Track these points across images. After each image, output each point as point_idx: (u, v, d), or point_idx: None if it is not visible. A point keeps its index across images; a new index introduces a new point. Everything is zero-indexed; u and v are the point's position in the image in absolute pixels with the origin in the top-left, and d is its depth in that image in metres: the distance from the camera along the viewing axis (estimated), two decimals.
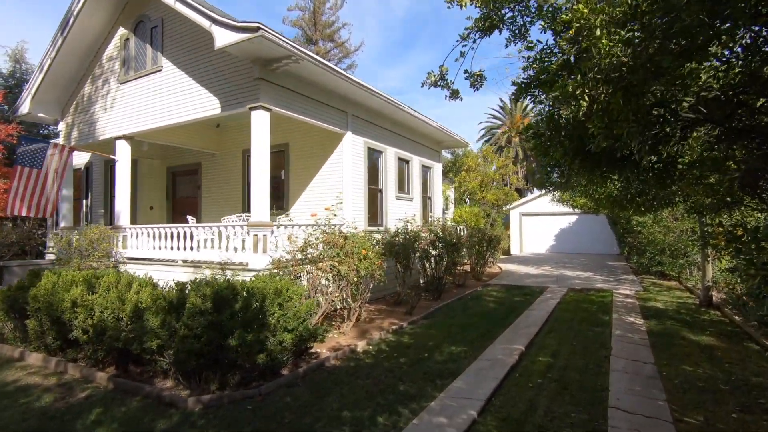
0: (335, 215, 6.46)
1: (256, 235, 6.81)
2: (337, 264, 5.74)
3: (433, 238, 9.75)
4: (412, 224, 10.46)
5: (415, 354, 5.73)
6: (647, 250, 12.49)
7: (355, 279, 6.59)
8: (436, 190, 13.65)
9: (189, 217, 8.96)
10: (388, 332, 6.91)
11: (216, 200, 11.53)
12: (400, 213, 11.21)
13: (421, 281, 10.19)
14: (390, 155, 10.96)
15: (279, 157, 10.38)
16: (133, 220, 12.03)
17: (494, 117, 45.24)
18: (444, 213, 15.11)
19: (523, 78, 4.17)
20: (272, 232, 6.91)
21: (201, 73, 7.78)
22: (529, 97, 4.24)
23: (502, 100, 42.58)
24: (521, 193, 33.39)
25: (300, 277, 6.18)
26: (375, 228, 10.17)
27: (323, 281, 6.09)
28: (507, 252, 25.50)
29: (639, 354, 5.44)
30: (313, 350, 5.87)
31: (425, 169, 13.24)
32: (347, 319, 6.86)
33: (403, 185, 11.85)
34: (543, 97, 4.03)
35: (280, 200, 10.42)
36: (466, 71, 4.85)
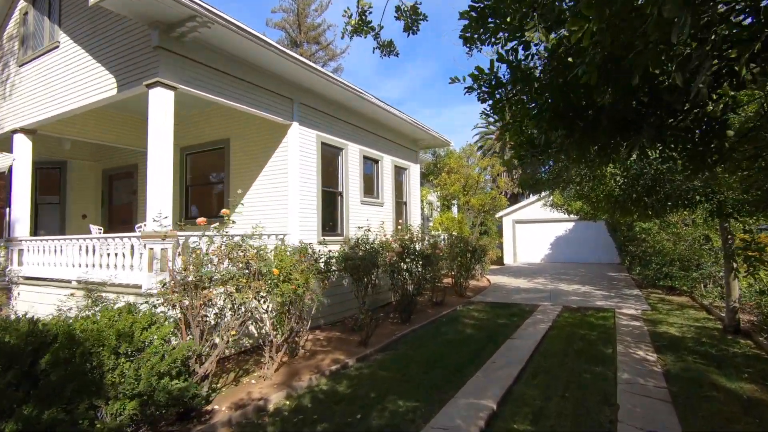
0: (233, 222, 4.87)
1: (152, 248, 5.21)
2: (234, 290, 4.14)
3: (401, 250, 8.16)
4: (382, 233, 8.90)
5: (345, 414, 4.10)
6: (653, 261, 10.92)
7: (277, 305, 4.99)
8: (413, 195, 12.09)
9: (92, 227, 7.36)
10: (325, 375, 5.28)
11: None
12: (366, 220, 9.63)
13: (394, 299, 8.58)
14: (353, 153, 9.41)
15: (218, 155, 8.82)
16: (61, 231, 10.41)
17: (488, 124, 43.92)
18: (427, 220, 13.54)
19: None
20: (176, 245, 5.32)
21: (98, 46, 6.25)
22: (484, 36, 2.69)
23: None
24: (517, 199, 31.90)
25: (188, 307, 4.56)
26: (333, 238, 8.58)
27: (226, 312, 4.47)
28: (500, 262, 23.90)
29: (658, 417, 3.83)
30: (209, 408, 4.26)
31: (399, 171, 11.69)
32: (270, 358, 5.23)
33: (370, 188, 10.29)
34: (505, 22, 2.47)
35: (219, 207, 8.83)
36: (397, 9, 3.32)
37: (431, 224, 12.33)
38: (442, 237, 12.37)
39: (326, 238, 8.38)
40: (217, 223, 8.11)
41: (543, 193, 15.98)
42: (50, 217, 10.67)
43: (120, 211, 10.57)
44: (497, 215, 26.26)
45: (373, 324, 6.74)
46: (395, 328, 7.89)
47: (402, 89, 67.80)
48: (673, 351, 5.88)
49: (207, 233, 4.95)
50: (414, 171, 12.26)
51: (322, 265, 6.68)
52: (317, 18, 34.00)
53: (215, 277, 4.14)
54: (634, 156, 2.69)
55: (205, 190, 9.34)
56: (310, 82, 7.69)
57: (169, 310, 4.10)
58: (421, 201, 12.94)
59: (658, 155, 2.64)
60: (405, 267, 8.40)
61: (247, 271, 4.45)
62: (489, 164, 13.05)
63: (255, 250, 4.68)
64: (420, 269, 8.99)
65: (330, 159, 8.94)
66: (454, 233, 12.33)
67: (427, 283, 9.27)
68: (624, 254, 15.36)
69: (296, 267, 5.07)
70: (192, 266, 4.17)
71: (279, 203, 7.76)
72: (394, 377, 5.14)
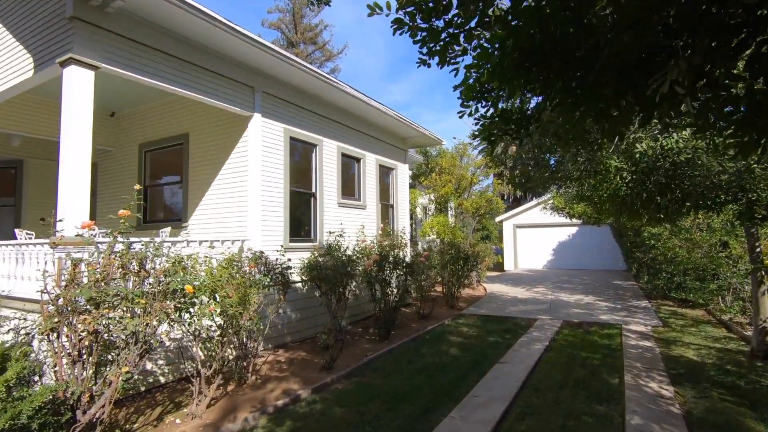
0: (131, 227, 3.96)
1: (60, 257, 4.31)
2: (125, 314, 3.22)
3: (378, 258, 7.23)
4: (362, 238, 7.98)
5: None
6: (663, 270, 9.90)
7: (205, 327, 4.07)
8: (401, 197, 11.16)
9: (17, 232, 6.48)
10: (267, 412, 4.34)
11: (115, 209, 9.02)
12: (345, 224, 8.70)
13: (376, 312, 7.64)
14: (329, 150, 8.50)
15: (178, 152, 7.94)
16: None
17: None
18: (418, 225, 12.60)
19: None
20: (96, 252, 4.41)
21: (16, 19, 5.39)
22: None
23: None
24: (519, 203, 30.87)
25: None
26: (304, 244, 7.65)
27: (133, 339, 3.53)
28: (500, 268, 22.87)
29: None
30: None
31: (385, 171, 10.76)
32: (200, 392, 4.29)
33: (351, 189, 9.37)
34: None
35: (175, 211, 7.94)
36: None
37: (421, 229, 11.40)
38: (434, 242, 11.42)
39: (296, 244, 7.45)
40: (181, 229, 7.23)
41: (545, 196, 15.02)
42: (5, 222, 9.84)
43: None
44: (497, 219, 25.26)
45: (338, 346, 5.78)
46: (371, 346, 6.94)
47: (408, 94, 67.26)
48: (692, 382, 4.88)
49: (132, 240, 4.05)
50: (402, 171, 11.33)
51: (279, 276, 5.74)
52: (314, 18, 33.33)
53: (109, 297, 3.22)
54: (654, 130, 1.76)
55: (166, 190, 8.45)
56: (273, 67, 6.80)
57: (44, 340, 3.18)
58: (412, 204, 12.00)
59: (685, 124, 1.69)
60: (384, 277, 7.45)
61: (156, 289, 3.52)
62: (483, 164, 12.08)
63: (171, 262, 3.75)
64: (403, 279, 8.05)
65: (301, 156, 8.04)
66: (446, 239, 11.38)
67: (410, 295, 8.33)
68: (631, 261, 14.32)
69: (230, 281, 4.13)
70: (76, 283, 3.25)
71: (238, 205, 6.85)
72: (349, 418, 4.18)
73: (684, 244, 8.87)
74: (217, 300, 4.01)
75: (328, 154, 8.48)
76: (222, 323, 4.19)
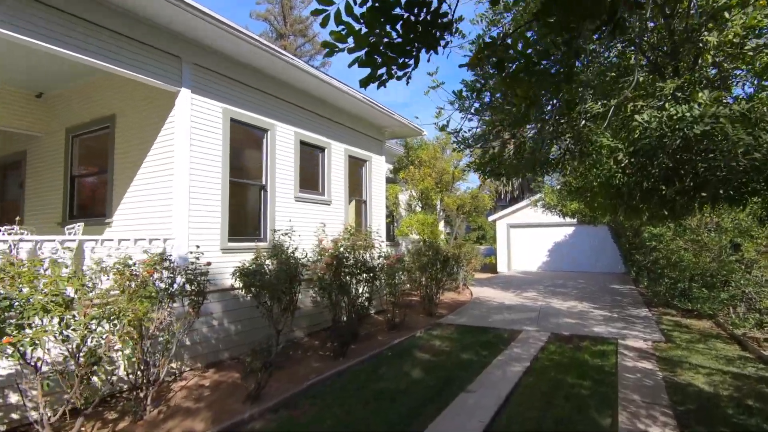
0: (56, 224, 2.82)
1: None
2: None
3: (331, 261, 6.16)
4: (323, 237, 6.94)
5: None
6: (665, 275, 8.83)
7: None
8: (376, 192, 10.08)
9: None
10: None
11: (45, 203, 7.96)
12: (305, 222, 7.64)
13: (333, 320, 6.59)
14: (284, 136, 7.43)
15: (103, 138, 6.86)
16: None
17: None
18: (395, 223, 11.52)
19: None
20: None
21: None
22: None
23: None
24: (517, 201, 29.79)
25: None
26: (249, 244, 6.58)
27: None
28: (493, 269, 21.82)
29: None
30: None
31: (357, 163, 9.69)
32: None
33: (312, 182, 8.30)
34: None
35: (99, 204, 6.86)
36: None
37: (399, 228, 10.33)
38: (420, 243, 10.34)
39: (238, 244, 6.38)
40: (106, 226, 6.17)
41: (537, 195, 13.93)
42: None
43: (8, 209, 8.62)
44: (490, 219, 24.20)
45: (267, 371, 4.70)
46: (321, 365, 5.87)
47: (408, 94, 66.24)
48: (706, 426, 3.81)
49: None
50: (378, 164, 10.25)
51: (188, 286, 4.66)
52: (303, 10, 32.24)
53: None
54: None
55: (94, 181, 7.38)
56: (206, 35, 5.73)
57: None
58: (390, 200, 10.92)
59: None
60: (341, 282, 6.38)
61: None
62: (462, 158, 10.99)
63: None
64: (368, 284, 7.00)
65: (248, 142, 6.97)
66: (427, 238, 10.31)
67: (371, 303, 7.28)
68: (629, 264, 13.25)
69: (82, 295, 3.06)
70: None
71: (162, 198, 5.78)
72: None
73: (690, 247, 7.79)
74: (64, 321, 2.93)
75: (284, 140, 7.40)
76: (73, 349, 3.12)
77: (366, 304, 6.99)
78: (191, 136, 5.79)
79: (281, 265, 5.74)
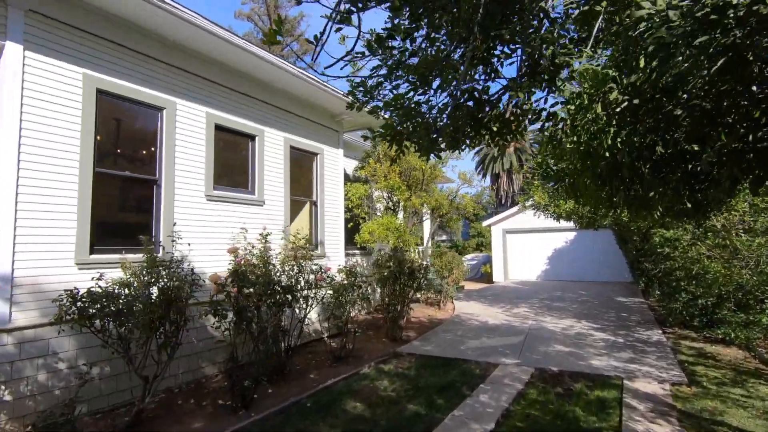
0: None
1: None
2: None
3: (216, 278, 4.54)
4: (232, 245, 5.33)
5: None
6: (682, 288, 7.07)
7: None
8: (331, 191, 8.44)
9: None
10: None
11: None
12: (225, 226, 6.03)
13: (232, 360, 4.93)
14: (190, 118, 5.83)
15: None
16: None
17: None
18: (357, 226, 9.84)
19: None
20: None
21: None
22: None
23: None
24: (515, 202, 27.99)
25: None
26: (135, 256, 4.93)
27: None
28: (489, 279, 20.05)
29: None
30: None
31: (304, 156, 8.08)
32: None
33: (237, 177, 6.69)
34: None
35: None
36: None
37: (359, 234, 8.67)
38: (380, 251, 8.67)
39: (106, 256, 4.76)
40: None
41: (528, 202, 12.23)
42: None
43: None
44: (484, 224, 22.47)
45: None
46: (205, 425, 4.21)
47: None
48: None
49: None
50: (333, 158, 8.62)
51: None
52: (290, 9, 30.99)
53: None
54: None
55: None
56: None
57: None
58: (351, 201, 9.27)
59: None
60: (240, 307, 4.73)
61: None
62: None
63: None
64: (280, 308, 5.36)
65: (131, 123, 5.39)
66: (394, 245, 8.64)
67: (286, 334, 5.63)
68: (637, 273, 11.46)
69: None
70: None
71: None
72: None
73: (716, 254, 6.06)
74: None
75: (189, 123, 5.81)
76: None
77: (279, 334, 5.31)
78: (25, 110, 4.20)
79: (145, 287, 4.12)
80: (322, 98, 7.84)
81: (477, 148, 43.40)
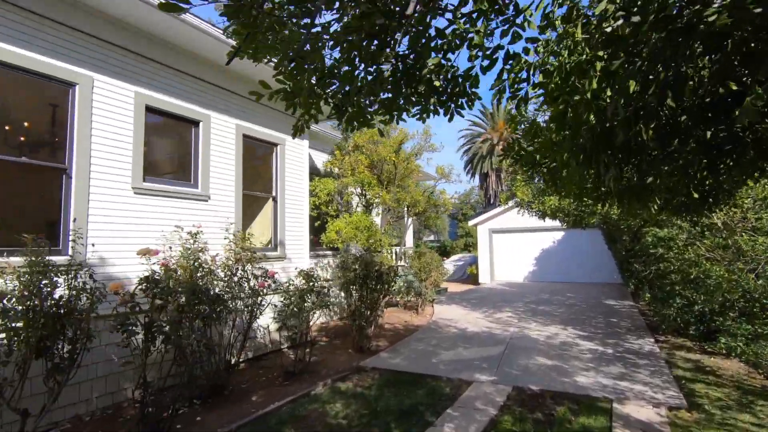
0: None
1: None
2: None
3: (116, 287, 3.72)
4: (155, 248, 4.51)
5: None
6: (677, 293, 6.40)
7: None
8: (293, 186, 7.64)
9: None
10: None
11: None
12: (159, 225, 5.20)
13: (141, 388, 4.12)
14: (113, 97, 4.99)
15: None
16: None
17: (474, 124, 40.20)
18: (324, 226, 9.04)
19: None
20: None
21: None
22: None
23: (483, 105, 37.51)
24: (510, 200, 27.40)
25: None
26: (17, 259, 4.08)
27: None
28: (475, 280, 19.37)
29: None
30: None
31: (261, 147, 7.28)
32: None
33: (176, 168, 5.87)
34: None
35: None
36: None
37: (326, 234, 7.87)
38: (349, 253, 7.87)
39: None
40: None
41: (510, 202, 11.54)
42: None
43: None
44: (470, 223, 21.82)
45: None
46: None
47: None
48: None
49: None
50: (296, 150, 7.81)
51: None
52: None
53: None
54: None
55: None
56: None
57: None
58: (318, 197, 8.47)
59: None
60: (151, 322, 3.90)
61: None
62: (423, 138, 8.20)
63: None
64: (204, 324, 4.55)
65: (32, 101, 4.54)
66: (363, 246, 7.87)
67: (229, 348, 4.83)
68: (627, 275, 10.83)
69: None
70: None
71: None
72: None
73: (717, 256, 5.38)
74: None
75: (111, 103, 4.96)
76: None
77: (205, 354, 4.50)
78: None
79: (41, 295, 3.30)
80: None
81: (466, 147, 43.02)
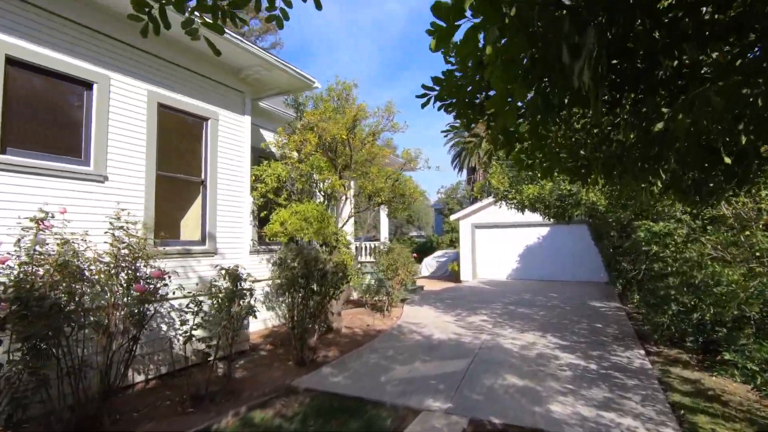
0: None
1: None
2: None
3: None
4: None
5: None
6: (673, 298, 5.41)
7: None
8: (228, 169, 6.48)
9: None
10: None
11: None
12: (25, 209, 4.02)
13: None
14: None
15: None
16: None
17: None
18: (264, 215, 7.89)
19: None
20: None
21: None
22: None
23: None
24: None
25: None
26: None
27: None
28: (456, 278, 18.39)
29: None
30: None
31: (184, 120, 6.12)
32: None
33: (62, 139, 4.69)
34: None
35: None
36: None
37: (269, 226, 6.74)
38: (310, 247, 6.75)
39: None
40: None
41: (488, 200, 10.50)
42: None
43: None
44: (452, 218, 20.83)
45: None
46: None
47: (397, 99, 64.30)
48: None
49: None
50: (234, 127, 6.65)
51: None
52: None
53: None
54: None
55: None
56: None
57: None
58: (267, 184, 7.32)
59: None
60: None
61: None
62: (386, 115, 6.95)
63: None
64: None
65: None
66: (308, 239, 6.77)
67: (108, 369, 3.71)
68: (614, 274, 9.90)
69: None
70: None
71: None
72: None
73: (726, 255, 4.39)
74: None
75: None
76: None
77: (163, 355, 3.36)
78: None
79: None
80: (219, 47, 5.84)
81: (453, 141, 42.14)
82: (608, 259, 10.12)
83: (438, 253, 24.71)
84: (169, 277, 4.48)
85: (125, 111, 5.13)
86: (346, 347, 6.70)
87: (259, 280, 6.69)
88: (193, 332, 4.82)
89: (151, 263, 4.46)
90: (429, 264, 22.75)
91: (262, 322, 7.87)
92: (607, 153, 2.01)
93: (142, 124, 5.32)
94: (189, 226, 6.61)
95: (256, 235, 7.98)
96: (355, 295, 10.94)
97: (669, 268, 5.17)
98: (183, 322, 4.66)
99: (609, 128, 1.93)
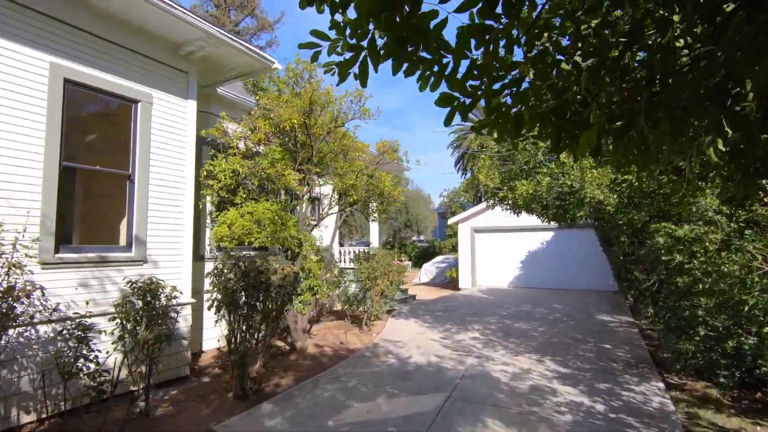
0: None
1: None
2: None
3: None
4: None
5: None
6: (702, 320, 4.28)
7: None
8: (163, 162, 5.47)
9: None
10: None
11: None
12: None
13: None
14: None
15: None
16: None
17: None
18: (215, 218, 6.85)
19: None
20: None
21: None
22: None
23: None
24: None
25: None
26: None
27: None
28: (455, 286, 17.24)
29: None
30: None
31: (104, 101, 5.13)
32: None
33: None
34: None
35: None
36: None
37: (215, 229, 5.71)
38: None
39: None
40: None
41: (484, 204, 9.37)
42: None
43: None
44: (450, 221, 19.70)
45: None
46: None
47: (400, 102, 63.76)
48: None
49: None
50: (173, 113, 5.64)
51: None
52: None
53: None
54: None
55: None
56: None
57: None
58: (219, 181, 6.29)
59: None
60: None
61: None
62: (357, 98, 5.89)
63: None
64: None
65: None
66: (260, 242, 5.73)
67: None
68: (624, 285, 8.73)
69: None
70: None
71: None
72: None
73: None
74: None
75: None
76: None
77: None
78: None
79: None
80: (150, 16, 4.87)
81: (456, 144, 41.10)
82: (618, 267, 8.96)
83: (438, 258, 23.55)
84: (42, 292, 3.46)
85: (21, 87, 4.15)
86: (304, 373, 5.64)
87: (209, 291, 5.67)
88: (89, 363, 3.82)
89: (26, 277, 3.46)
90: (428, 270, 21.63)
91: (217, 340, 6.84)
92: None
93: (42, 105, 4.34)
94: (124, 231, 5.62)
95: (213, 240, 6.96)
96: (338, 306, 9.90)
97: (699, 285, 4.05)
98: (72, 350, 3.65)
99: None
